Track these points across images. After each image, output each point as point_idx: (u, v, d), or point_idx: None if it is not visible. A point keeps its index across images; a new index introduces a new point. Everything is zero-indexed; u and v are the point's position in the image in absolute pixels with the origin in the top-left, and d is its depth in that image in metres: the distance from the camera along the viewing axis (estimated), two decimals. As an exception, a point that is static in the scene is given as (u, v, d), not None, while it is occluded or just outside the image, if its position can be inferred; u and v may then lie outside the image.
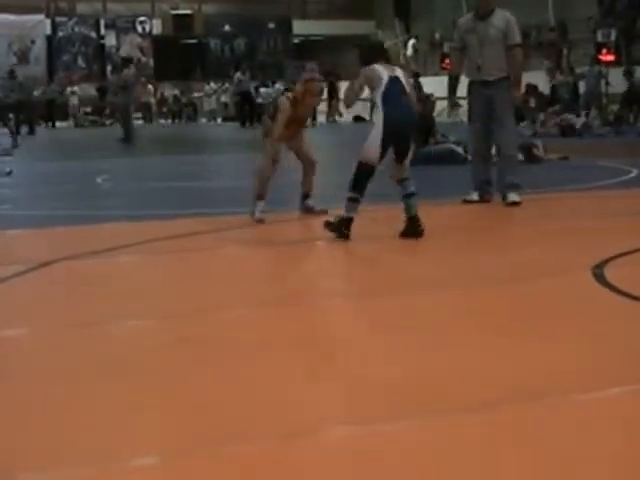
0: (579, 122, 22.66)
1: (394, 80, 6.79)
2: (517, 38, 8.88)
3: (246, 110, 31.81)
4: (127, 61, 25.61)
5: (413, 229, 6.75)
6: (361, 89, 6.98)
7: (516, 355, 3.84)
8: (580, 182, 10.20)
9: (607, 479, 2.68)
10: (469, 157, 10.13)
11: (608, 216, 8.08)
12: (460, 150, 13.62)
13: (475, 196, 8.90)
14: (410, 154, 6.89)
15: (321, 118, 37.59)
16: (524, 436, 2.95)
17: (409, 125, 6.90)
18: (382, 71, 6.80)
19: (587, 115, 25.25)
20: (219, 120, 37.76)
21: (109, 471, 2.77)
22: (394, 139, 6.71)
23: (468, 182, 8.96)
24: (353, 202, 6.66)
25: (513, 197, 8.68)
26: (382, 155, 6.72)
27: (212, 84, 39.95)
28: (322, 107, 38.10)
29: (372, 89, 6.79)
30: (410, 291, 5.20)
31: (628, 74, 26.33)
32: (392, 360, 3.84)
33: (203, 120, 38.79)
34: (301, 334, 4.35)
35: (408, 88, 6.92)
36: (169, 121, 39.66)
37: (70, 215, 8.67)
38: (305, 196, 8.16)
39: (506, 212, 8.50)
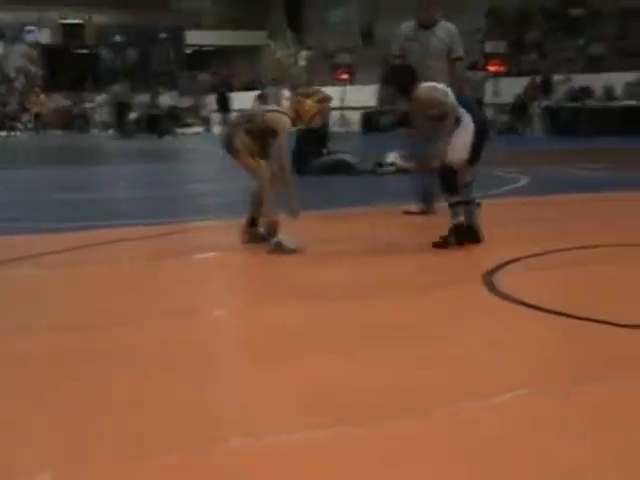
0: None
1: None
2: (460, 51, 8.80)
3: (123, 120, 32.84)
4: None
5: (475, 236, 6.79)
6: None
7: (412, 364, 3.83)
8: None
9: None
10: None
11: (498, 224, 8.16)
12: (352, 160, 13.70)
13: (416, 208, 8.76)
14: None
15: (216, 129, 37.48)
16: (420, 444, 2.93)
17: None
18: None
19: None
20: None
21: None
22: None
23: (368, 192, 8.93)
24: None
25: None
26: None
27: (104, 95, 39.49)
28: (215, 118, 38.17)
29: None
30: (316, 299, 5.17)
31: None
32: (285, 371, 3.79)
33: (95, 131, 38.30)
34: (202, 345, 4.27)
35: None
36: (59, 132, 39.06)
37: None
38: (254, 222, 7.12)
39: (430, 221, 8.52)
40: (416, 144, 8.98)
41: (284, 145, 6.72)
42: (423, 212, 8.74)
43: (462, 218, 6.62)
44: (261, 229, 7.00)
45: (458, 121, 6.52)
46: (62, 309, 5.15)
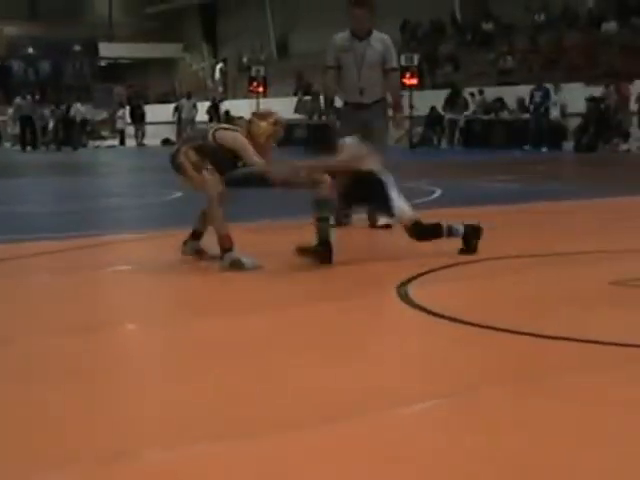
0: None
1: None
2: (395, 62, 8.81)
3: (27, 134, 32.86)
4: None
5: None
6: None
7: (330, 374, 3.83)
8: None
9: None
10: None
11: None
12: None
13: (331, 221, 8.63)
14: None
15: (130, 142, 37.27)
16: (344, 451, 2.93)
17: None
18: None
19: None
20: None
21: None
22: None
23: (282, 204, 8.87)
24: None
25: (384, 219, 8.29)
26: None
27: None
28: (130, 131, 37.92)
29: None
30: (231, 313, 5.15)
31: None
32: (203, 381, 3.77)
33: (7, 145, 37.75)
34: (107, 361, 4.23)
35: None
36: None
37: None
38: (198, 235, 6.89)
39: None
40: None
41: (256, 161, 6.56)
42: (338, 224, 8.65)
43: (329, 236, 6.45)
44: (200, 244, 6.79)
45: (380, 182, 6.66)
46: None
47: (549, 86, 25.59)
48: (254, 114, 6.94)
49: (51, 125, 34.20)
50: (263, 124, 6.72)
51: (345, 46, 8.68)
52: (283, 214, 8.97)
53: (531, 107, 25.87)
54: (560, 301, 5.32)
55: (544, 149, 24.79)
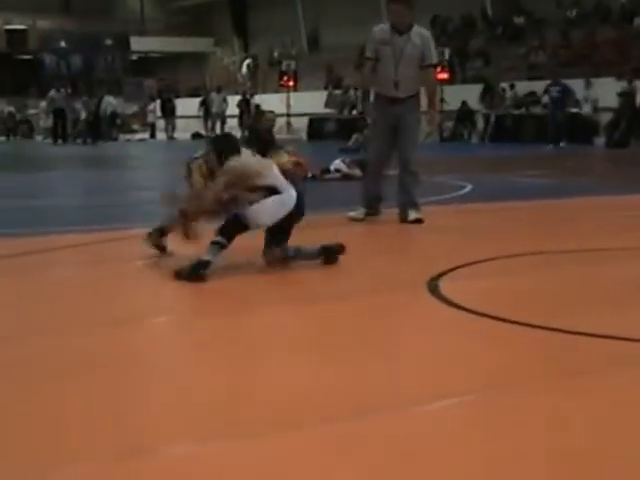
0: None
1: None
2: (434, 58, 8.72)
3: (60, 127, 32.79)
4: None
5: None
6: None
7: (354, 370, 3.82)
8: (418, 198, 10.34)
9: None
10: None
11: (443, 231, 8.22)
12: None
13: (361, 214, 8.66)
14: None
15: (161, 135, 37.41)
16: (351, 452, 2.92)
17: None
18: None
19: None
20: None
21: None
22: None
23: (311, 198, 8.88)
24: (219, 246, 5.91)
25: (415, 215, 8.47)
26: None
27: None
28: (160, 124, 38.06)
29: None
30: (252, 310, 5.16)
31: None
32: (221, 378, 3.77)
33: (39, 137, 37.98)
34: (129, 354, 4.24)
35: None
36: (3, 138, 38.78)
37: None
38: None
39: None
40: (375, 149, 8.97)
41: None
42: (367, 215, 8.70)
43: (209, 258, 5.83)
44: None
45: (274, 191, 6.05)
46: None
47: (576, 81, 25.38)
48: (285, 149, 6.83)
49: (83, 117, 34.29)
50: (285, 158, 6.59)
51: (385, 39, 8.60)
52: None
53: (549, 102, 25.59)
54: (593, 298, 5.29)
55: (562, 144, 24.47)
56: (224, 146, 6.29)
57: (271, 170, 6.17)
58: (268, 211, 6.02)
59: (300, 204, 6.14)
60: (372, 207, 8.78)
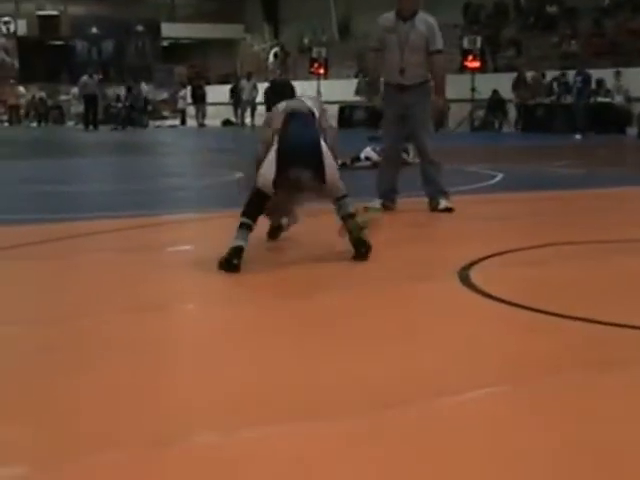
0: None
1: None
2: (440, 44, 8.60)
3: (91, 113, 32.78)
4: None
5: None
6: None
7: (384, 359, 3.82)
8: (447, 187, 10.32)
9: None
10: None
11: (474, 220, 8.19)
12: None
13: (377, 204, 8.58)
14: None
15: (191, 122, 37.50)
16: (390, 440, 2.92)
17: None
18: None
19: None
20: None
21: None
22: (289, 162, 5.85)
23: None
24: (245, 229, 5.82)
25: (446, 203, 8.50)
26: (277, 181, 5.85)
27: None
28: (191, 111, 38.16)
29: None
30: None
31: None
32: (251, 367, 3.77)
33: (70, 123, 38.17)
34: (162, 339, 4.25)
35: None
36: (34, 124, 39.00)
37: None
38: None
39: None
40: (386, 139, 8.96)
41: None
42: (383, 206, 8.63)
43: (241, 243, 5.75)
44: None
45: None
46: (29, 301, 5.11)
47: (608, 71, 25.14)
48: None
49: (110, 106, 34.46)
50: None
51: (390, 27, 8.57)
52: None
53: (574, 92, 25.43)
54: (628, 289, 5.25)
55: (577, 136, 24.14)
56: (268, 97, 6.31)
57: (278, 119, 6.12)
58: (265, 166, 5.89)
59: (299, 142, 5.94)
60: (387, 198, 8.70)
